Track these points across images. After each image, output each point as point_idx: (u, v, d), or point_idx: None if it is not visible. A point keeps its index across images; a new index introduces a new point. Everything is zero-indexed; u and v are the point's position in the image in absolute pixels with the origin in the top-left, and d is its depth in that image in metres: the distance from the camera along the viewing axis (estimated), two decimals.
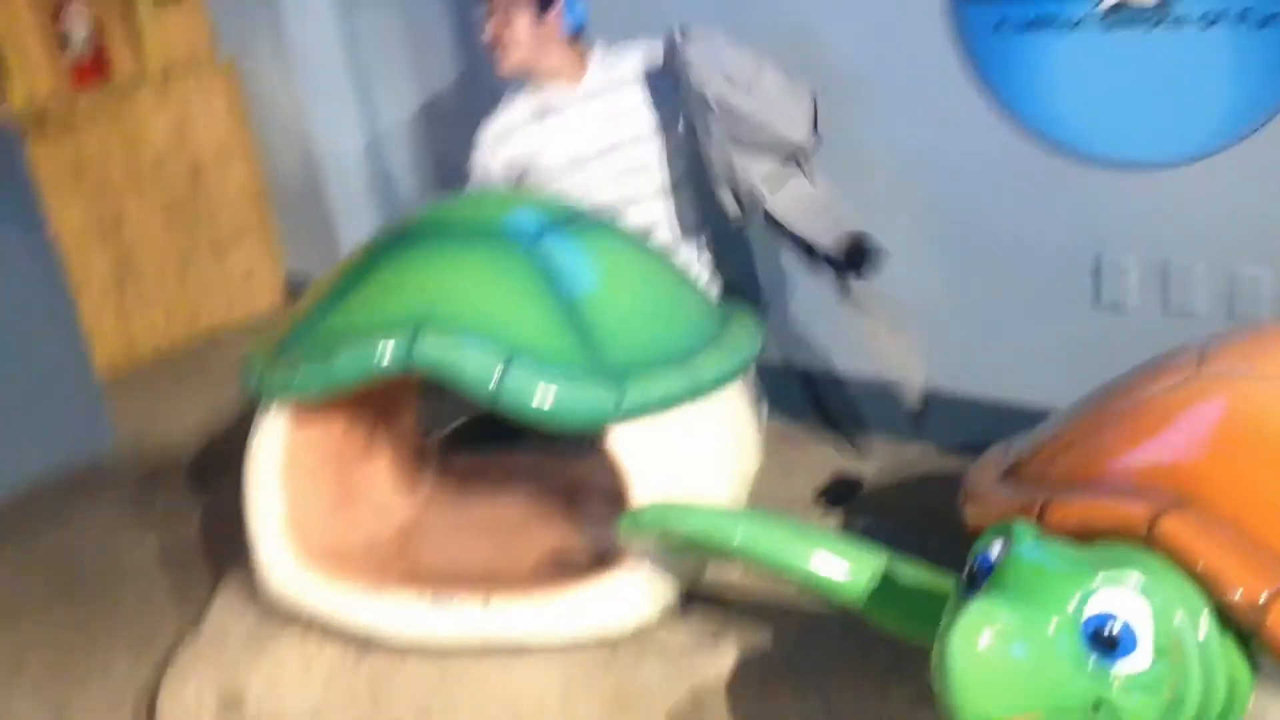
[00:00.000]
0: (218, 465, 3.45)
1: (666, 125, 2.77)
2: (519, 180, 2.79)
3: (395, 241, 2.25)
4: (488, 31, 2.73)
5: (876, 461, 3.01)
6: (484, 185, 2.81)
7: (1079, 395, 2.13)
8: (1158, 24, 2.40)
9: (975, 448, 2.72)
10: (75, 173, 4.04)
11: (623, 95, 2.76)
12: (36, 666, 2.63)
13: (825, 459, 3.04)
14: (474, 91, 3.89)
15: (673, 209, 2.84)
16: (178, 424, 3.81)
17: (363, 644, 2.22)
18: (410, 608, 2.15)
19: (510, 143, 2.78)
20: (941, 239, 2.88)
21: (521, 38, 2.70)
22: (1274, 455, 1.64)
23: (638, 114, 2.75)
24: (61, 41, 4.08)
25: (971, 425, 2.91)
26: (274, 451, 2.24)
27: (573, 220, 2.26)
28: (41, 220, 3.50)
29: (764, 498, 2.39)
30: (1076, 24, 2.49)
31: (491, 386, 1.99)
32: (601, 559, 2.29)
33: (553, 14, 2.71)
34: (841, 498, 2.84)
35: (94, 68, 4.15)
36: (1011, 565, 1.47)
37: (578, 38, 2.78)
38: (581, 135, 2.76)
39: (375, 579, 2.25)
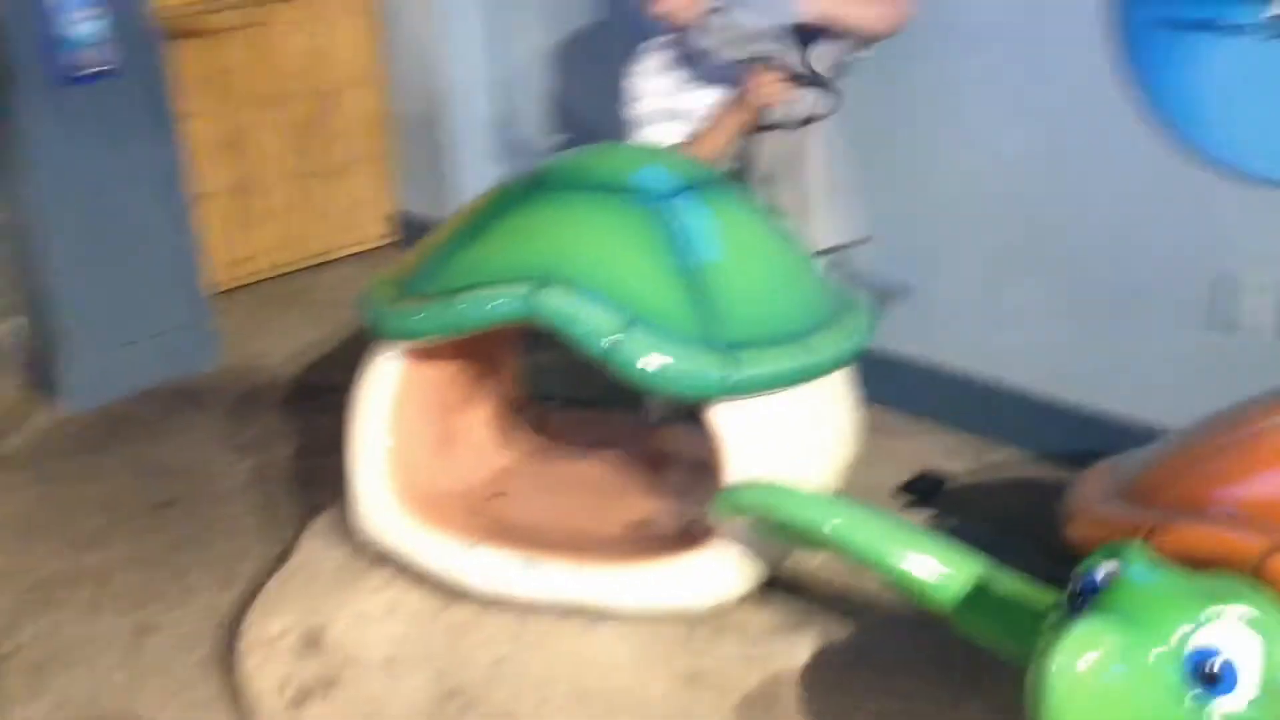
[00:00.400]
0: (316, 394, 3.51)
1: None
2: (662, 120, 2.76)
3: (525, 190, 2.26)
4: None
5: (964, 461, 2.98)
6: (638, 117, 2.77)
7: (1190, 415, 2.09)
8: None
9: (1069, 457, 2.70)
10: (208, 81, 4.10)
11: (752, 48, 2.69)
12: (123, 584, 2.70)
13: (913, 452, 3.01)
14: (603, 43, 3.88)
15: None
16: (280, 346, 3.88)
17: (448, 592, 2.24)
18: (500, 564, 2.16)
19: (661, 80, 2.73)
20: (1062, 239, 2.83)
21: None
22: None
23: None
24: None
25: (1062, 433, 2.87)
26: (385, 389, 2.26)
27: (703, 184, 2.25)
28: (172, 124, 3.56)
29: (848, 485, 2.38)
30: (1240, 30, 2.41)
31: (606, 346, 1.99)
32: (686, 532, 2.30)
33: None
34: (925, 494, 2.81)
35: None
36: (1122, 587, 1.45)
37: None
38: (709, 89, 2.71)
39: (465, 526, 2.27)
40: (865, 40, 2.66)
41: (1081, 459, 2.23)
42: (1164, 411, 2.53)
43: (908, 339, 3.13)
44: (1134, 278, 2.73)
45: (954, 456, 2.99)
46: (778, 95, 2.56)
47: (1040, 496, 2.10)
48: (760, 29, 2.52)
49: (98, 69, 3.31)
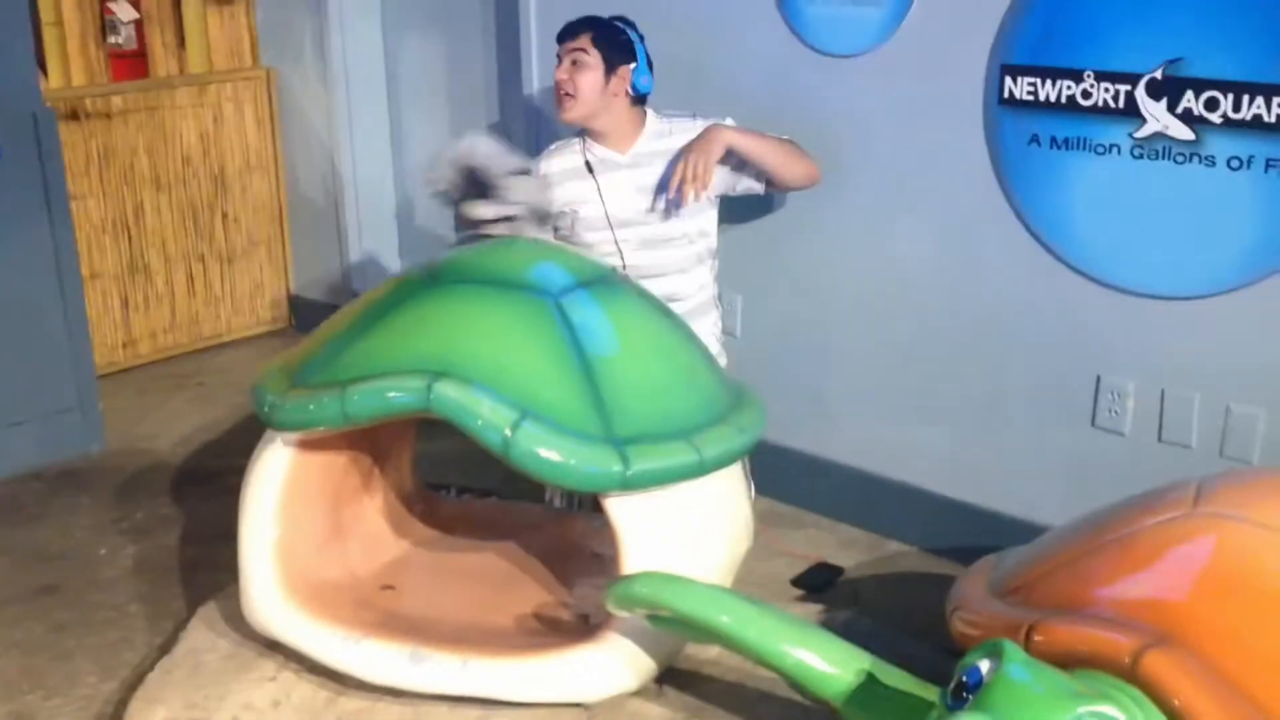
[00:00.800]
0: (204, 479, 3.46)
1: (698, 205, 2.83)
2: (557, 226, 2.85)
3: (421, 282, 2.28)
4: (559, 77, 2.81)
5: (858, 554, 3.04)
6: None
7: (1070, 512, 2.16)
8: (1188, 160, 2.46)
9: (958, 552, 2.77)
10: (100, 163, 4.07)
11: (664, 168, 2.82)
12: (3, 670, 2.61)
13: (807, 545, 3.06)
14: (507, 131, 3.94)
15: (694, 283, 2.91)
16: (168, 430, 3.81)
17: (337, 683, 2.21)
18: (388, 658, 2.15)
19: (557, 190, 2.83)
20: (947, 338, 2.92)
21: (588, 92, 2.78)
22: (1259, 604, 1.67)
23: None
24: (105, 29, 4.12)
25: (956, 529, 2.94)
26: (275, 478, 2.25)
27: (599, 280, 2.30)
28: (62, 205, 3.52)
29: (743, 578, 2.41)
30: (1108, 149, 2.55)
31: (503, 440, 2.01)
32: (584, 622, 2.31)
33: (621, 76, 2.79)
34: (819, 587, 2.86)
35: (134, 60, 4.19)
36: (999, 684, 1.50)
37: (641, 101, 2.86)
38: (619, 200, 2.82)
39: (354, 618, 2.25)
40: (777, 186, 2.91)
41: (974, 554, 2.29)
42: (1053, 509, 2.62)
43: (802, 434, 3.20)
44: (1020, 379, 2.83)
45: (848, 550, 3.03)
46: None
47: (933, 591, 2.16)
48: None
49: None
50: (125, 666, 2.60)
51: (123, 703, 2.34)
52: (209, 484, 3.41)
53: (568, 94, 2.81)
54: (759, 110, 3.09)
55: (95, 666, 2.62)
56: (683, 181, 2.72)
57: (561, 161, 2.89)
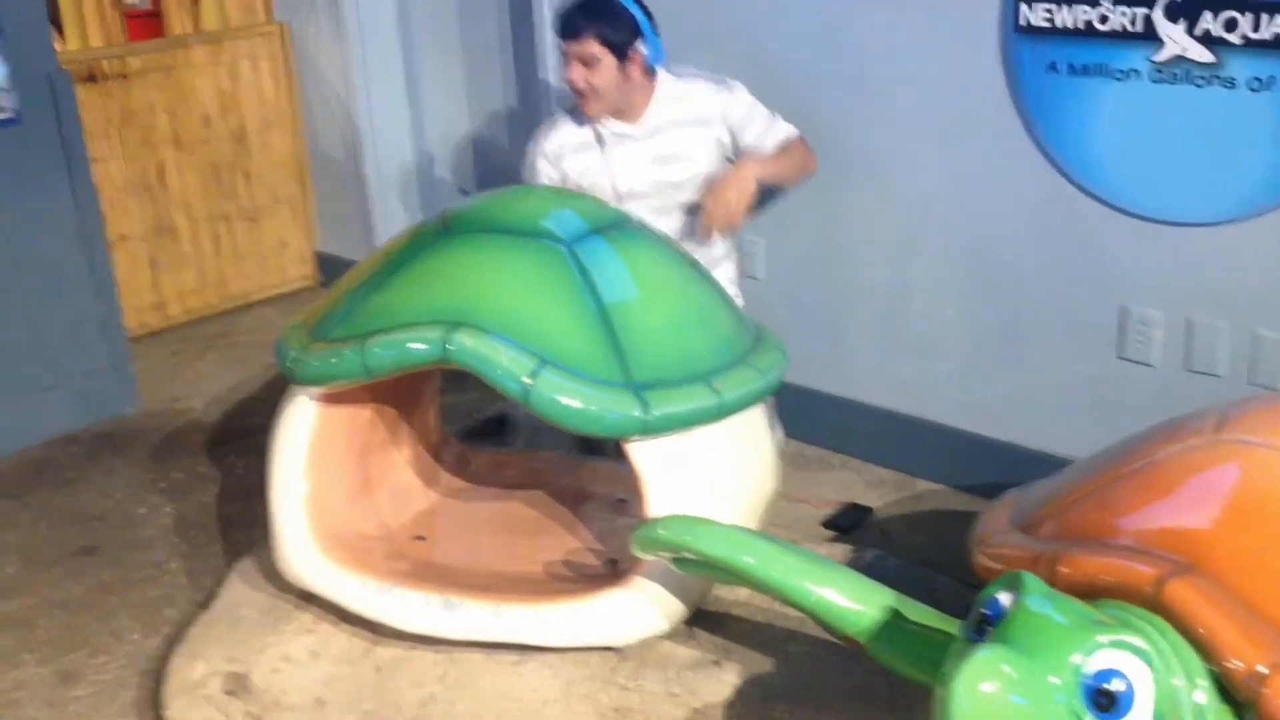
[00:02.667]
0: (237, 437, 3.50)
1: (713, 169, 2.80)
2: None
3: (437, 233, 2.29)
4: (571, 78, 2.72)
5: (886, 494, 3.04)
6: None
7: (1096, 445, 2.16)
8: (1208, 82, 2.42)
9: (985, 488, 2.77)
10: (122, 124, 4.08)
11: (679, 136, 2.78)
12: (47, 630, 2.67)
13: (836, 484, 3.07)
14: (520, 81, 3.93)
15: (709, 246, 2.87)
16: (201, 390, 3.86)
17: (373, 633, 2.25)
18: (421, 606, 2.18)
19: (564, 163, 2.80)
20: (969, 274, 2.91)
21: (607, 87, 2.70)
22: None
23: (689, 158, 2.78)
24: None
25: (982, 465, 2.94)
26: (301, 433, 2.27)
27: (613, 226, 2.29)
28: (85, 168, 3.54)
29: (773, 520, 2.42)
30: (1128, 74, 2.51)
31: (522, 387, 2.03)
32: (613, 567, 2.33)
33: (633, 59, 2.71)
34: (849, 527, 2.87)
35: (149, 20, 4.19)
36: (1019, 616, 1.50)
37: (654, 72, 2.80)
38: (633, 170, 2.78)
39: (386, 568, 2.28)
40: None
41: (1003, 490, 2.29)
42: (1081, 442, 2.61)
43: (828, 376, 3.20)
44: (1044, 311, 2.81)
45: (877, 490, 3.04)
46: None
47: (961, 528, 2.15)
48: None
49: (1, 115, 3.28)
50: (167, 623, 2.66)
51: (165, 658, 2.40)
52: (243, 441, 3.46)
53: (585, 92, 2.72)
54: (764, 41, 3.07)
55: (137, 624, 2.67)
56: (712, 221, 2.70)
57: (567, 136, 2.82)
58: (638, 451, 2.12)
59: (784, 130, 2.80)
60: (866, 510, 2.92)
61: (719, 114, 2.77)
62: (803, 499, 2.98)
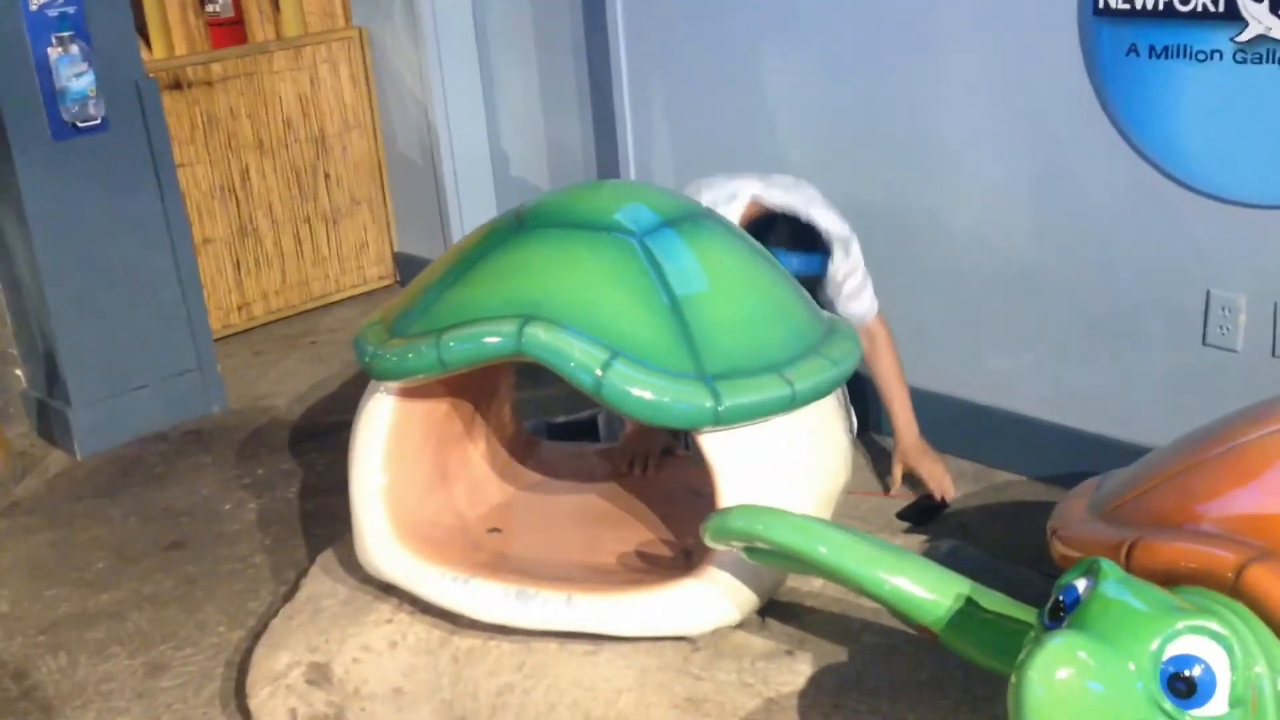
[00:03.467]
0: (320, 434, 3.56)
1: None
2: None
3: (510, 227, 2.31)
4: None
5: (965, 485, 3.01)
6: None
7: (1179, 434, 2.12)
8: None
9: (1066, 479, 2.72)
10: (207, 129, 4.19)
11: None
12: (134, 624, 2.74)
13: (913, 478, 3.04)
14: (593, 81, 3.95)
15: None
16: (284, 388, 3.93)
17: (450, 623, 2.28)
18: (496, 597, 2.20)
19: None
20: (1050, 262, 2.87)
21: None
22: None
23: None
24: None
25: (1064, 456, 2.90)
26: (380, 427, 2.31)
27: (685, 218, 2.30)
28: (172, 173, 3.63)
29: (847, 511, 2.41)
30: (1210, 55, 2.46)
31: (595, 380, 2.04)
32: (686, 558, 2.34)
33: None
34: (924, 518, 2.84)
35: (232, 28, 4.29)
36: (1096, 602, 1.48)
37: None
38: None
39: (463, 560, 2.31)
40: None
41: (1080, 481, 2.26)
42: (1164, 431, 2.55)
43: (905, 367, 3.16)
44: (1125, 299, 2.76)
45: (956, 482, 3.01)
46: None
47: (1041, 519, 2.13)
48: None
49: (91, 122, 3.38)
50: (251, 615, 2.72)
51: (249, 649, 2.45)
52: (325, 438, 3.52)
53: None
54: (844, 32, 3.05)
55: (223, 616, 2.73)
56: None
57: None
58: (710, 442, 2.12)
59: (866, 303, 2.85)
60: (942, 504, 2.89)
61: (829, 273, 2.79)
62: (873, 494, 2.96)
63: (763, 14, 3.20)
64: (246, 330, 4.41)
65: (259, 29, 4.36)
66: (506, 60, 4.31)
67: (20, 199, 3.34)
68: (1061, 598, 1.54)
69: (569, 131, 4.13)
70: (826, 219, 2.75)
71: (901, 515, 2.86)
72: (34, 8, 3.23)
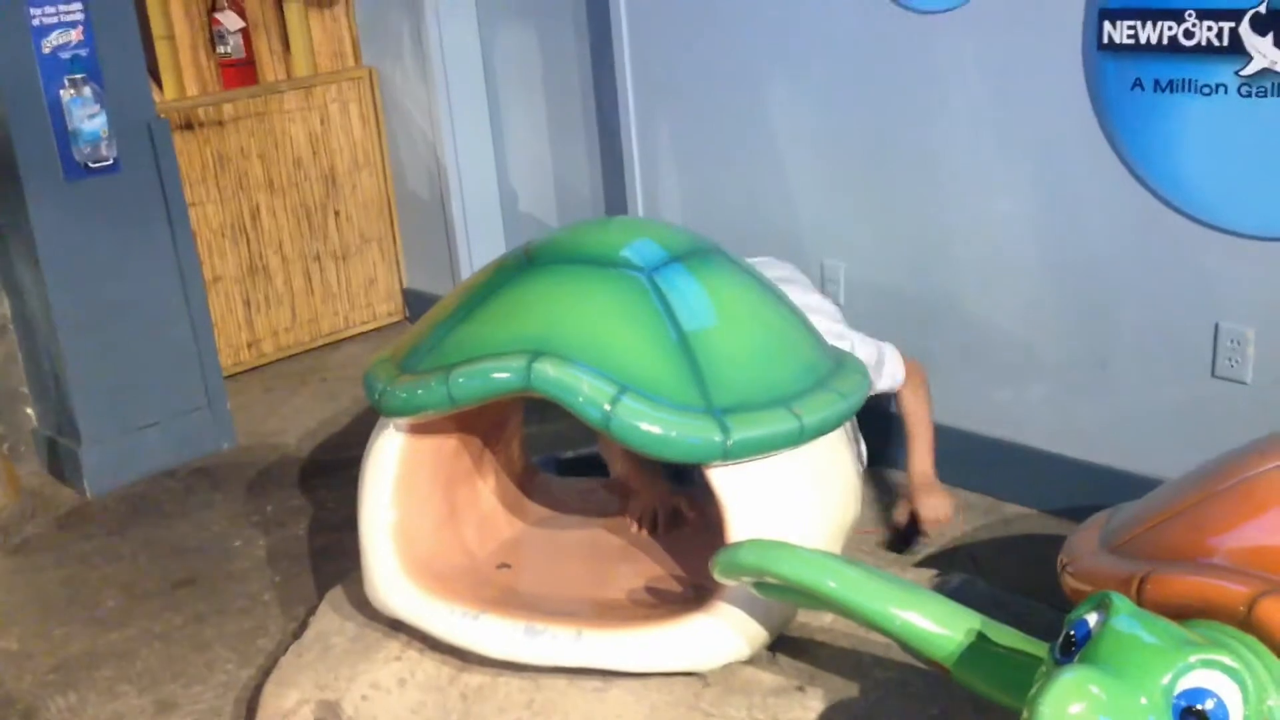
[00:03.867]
0: (330, 470, 3.57)
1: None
2: None
3: (519, 264, 2.32)
4: None
5: (974, 519, 3.00)
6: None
7: (1189, 466, 2.11)
8: None
9: (1076, 512, 2.72)
10: (218, 169, 4.22)
11: None
12: (144, 662, 2.74)
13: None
14: (601, 119, 3.98)
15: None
16: (294, 425, 3.94)
17: (459, 660, 2.28)
18: (505, 633, 2.20)
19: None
20: (1057, 295, 2.87)
21: None
22: None
23: None
24: (214, 39, 4.26)
25: (1074, 489, 2.89)
26: (389, 463, 2.32)
27: (693, 253, 2.31)
28: (184, 212, 3.66)
29: (856, 545, 2.40)
30: (1215, 89, 2.47)
31: (603, 415, 2.04)
32: (696, 593, 2.33)
33: None
34: (907, 541, 2.84)
35: (243, 68, 4.32)
36: (1107, 636, 1.48)
37: None
38: None
39: (472, 596, 2.31)
40: None
41: (1091, 513, 2.25)
42: (1174, 463, 2.55)
43: None
44: (1133, 331, 2.76)
45: (964, 515, 3.00)
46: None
47: (1052, 552, 2.12)
48: None
49: (103, 163, 3.42)
50: (261, 653, 2.71)
51: (259, 688, 2.44)
52: (334, 475, 3.52)
53: None
54: (850, 70, 3.07)
55: (232, 654, 2.73)
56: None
57: None
58: (719, 476, 2.12)
59: (890, 369, 2.79)
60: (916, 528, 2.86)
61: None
62: (871, 530, 2.96)
63: (767, 50, 3.22)
64: (257, 367, 4.43)
65: (270, 69, 4.40)
66: (514, 98, 4.35)
67: (33, 239, 3.36)
68: (1073, 632, 1.53)
69: (577, 168, 4.15)
70: (863, 349, 2.72)
71: (890, 547, 2.86)
72: (47, 50, 3.27)
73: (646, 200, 3.71)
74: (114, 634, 2.85)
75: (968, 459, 3.09)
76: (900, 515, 2.87)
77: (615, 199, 3.93)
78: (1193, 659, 1.42)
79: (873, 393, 2.56)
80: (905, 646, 1.89)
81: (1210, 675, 1.42)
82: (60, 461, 3.64)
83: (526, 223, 4.43)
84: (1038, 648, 1.74)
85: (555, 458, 3.20)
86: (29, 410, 3.72)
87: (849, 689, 2.14)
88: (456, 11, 4.31)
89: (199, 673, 2.68)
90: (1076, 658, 1.48)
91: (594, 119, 4.02)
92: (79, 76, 3.33)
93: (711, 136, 3.47)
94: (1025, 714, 1.44)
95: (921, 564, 2.75)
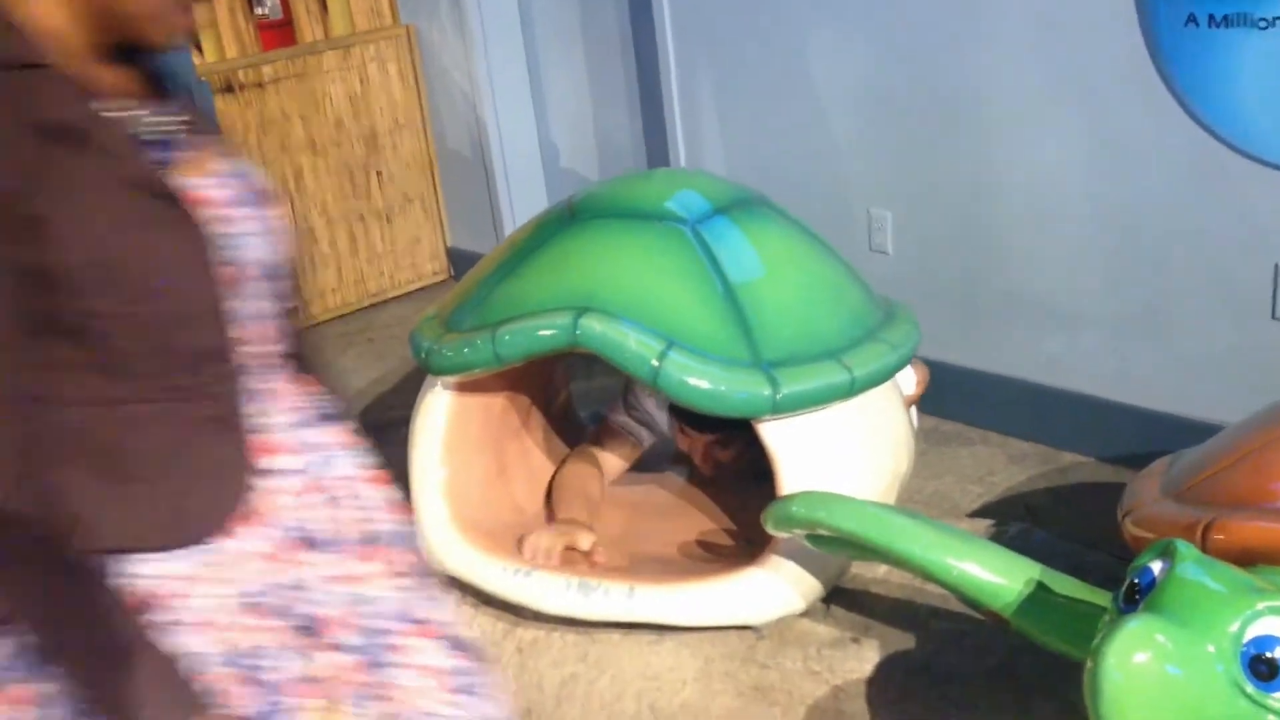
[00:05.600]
0: (379, 430, 3.56)
1: None
2: None
3: (562, 219, 2.30)
4: None
5: (1030, 468, 2.96)
6: None
7: (1249, 410, 2.07)
8: None
9: (1132, 459, 2.68)
10: (260, 131, 4.21)
11: None
12: None
13: (975, 460, 3.00)
14: (641, 72, 3.94)
15: None
16: (343, 385, 3.92)
17: (513, 615, 2.28)
18: (558, 589, 2.20)
19: None
20: (1112, 239, 2.81)
21: None
22: None
23: None
24: (252, 2, 4.24)
25: (1131, 436, 2.84)
26: (438, 422, 2.32)
27: (737, 205, 2.28)
28: None
29: (911, 496, 2.38)
30: (1272, 22, 2.40)
31: (651, 370, 2.03)
32: (748, 545, 2.32)
33: None
34: None
35: (281, 30, 4.31)
36: (1172, 584, 1.45)
37: None
38: None
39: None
40: None
41: (1150, 461, 2.22)
42: (1232, 408, 2.50)
43: (963, 349, 3.13)
44: (1191, 274, 2.70)
45: (1020, 465, 2.97)
46: None
47: (1110, 500, 2.09)
48: None
49: None
50: None
51: None
52: (385, 433, 3.48)
53: None
54: (893, 14, 3.01)
55: None
56: None
57: None
58: (769, 430, 2.10)
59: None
60: None
61: None
62: None
63: None
64: (304, 328, 4.43)
65: (308, 30, 4.38)
66: (553, 53, 4.31)
67: None
68: (1136, 580, 1.50)
69: (618, 122, 4.11)
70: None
71: None
72: None
73: (689, 152, 3.67)
74: None
75: (1021, 407, 3.05)
76: None
77: (657, 151, 3.89)
78: (1260, 606, 1.39)
79: None
80: (962, 597, 1.87)
81: (1279, 622, 1.39)
82: None
83: (568, 178, 4.41)
84: (1099, 597, 1.72)
85: (603, 413, 3.19)
86: None
87: (905, 640, 2.12)
88: None
89: None
90: (1141, 606, 1.46)
91: (634, 70, 3.97)
92: None
93: (753, 86, 3.42)
94: (1089, 663, 1.41)
95: (976, 514, 2.72)
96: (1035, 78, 2.82)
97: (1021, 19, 2.80)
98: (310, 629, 1.21)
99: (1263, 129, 2.48)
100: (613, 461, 2.59)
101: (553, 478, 2.57)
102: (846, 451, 2.14)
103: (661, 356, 2.03)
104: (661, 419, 2.58)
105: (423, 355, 2.27)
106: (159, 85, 1.21)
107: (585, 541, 2.29)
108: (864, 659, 2.09)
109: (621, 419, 2.61)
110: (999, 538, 2.35)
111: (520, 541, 2.31)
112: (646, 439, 2.62)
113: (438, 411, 2.32)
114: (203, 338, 1.15)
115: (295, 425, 1.28)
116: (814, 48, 3.23)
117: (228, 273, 1.15)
